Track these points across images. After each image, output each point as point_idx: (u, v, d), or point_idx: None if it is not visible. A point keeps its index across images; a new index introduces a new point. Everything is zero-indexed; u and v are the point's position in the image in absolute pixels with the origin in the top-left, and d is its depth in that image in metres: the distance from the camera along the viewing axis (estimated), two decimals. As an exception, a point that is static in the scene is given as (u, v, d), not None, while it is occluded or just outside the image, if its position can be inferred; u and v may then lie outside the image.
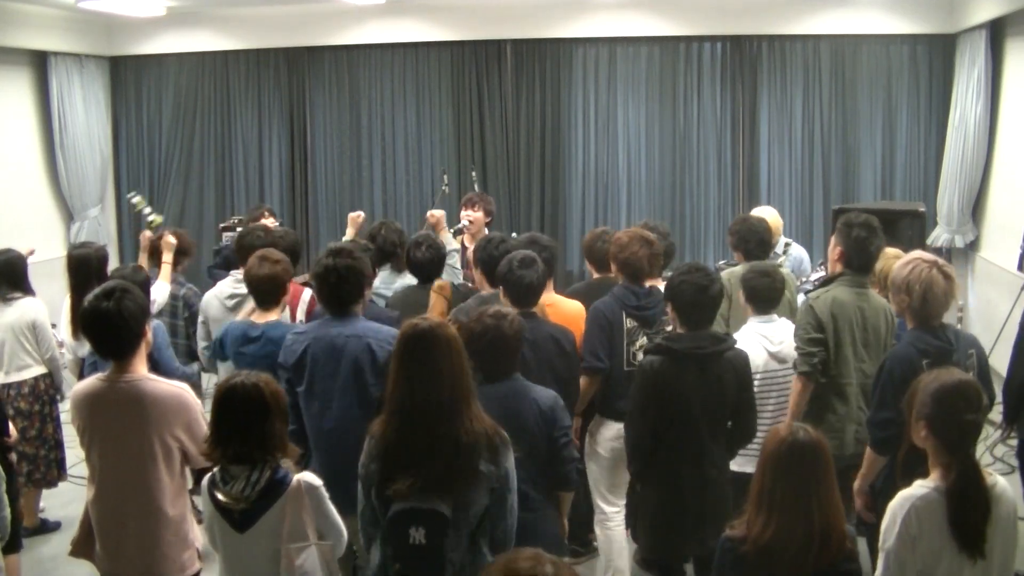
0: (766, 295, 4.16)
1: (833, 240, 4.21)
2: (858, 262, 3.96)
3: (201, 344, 4.75)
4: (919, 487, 2.57)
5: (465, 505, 2.64)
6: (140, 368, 3.06)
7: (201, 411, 3.09)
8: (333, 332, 3.53)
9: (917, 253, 3.49)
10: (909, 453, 2.76)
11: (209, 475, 2.73)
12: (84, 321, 3.05)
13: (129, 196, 7.40)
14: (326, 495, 2.75)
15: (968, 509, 2.51)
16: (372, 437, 2.72)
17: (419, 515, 2.59)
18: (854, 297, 3.93)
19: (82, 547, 3.20)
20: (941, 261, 3.40)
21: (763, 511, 2.48)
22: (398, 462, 2.62)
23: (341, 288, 3.53)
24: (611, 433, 4.09)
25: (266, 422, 2.63)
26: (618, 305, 4.06)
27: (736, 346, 3.66)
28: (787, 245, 5.77)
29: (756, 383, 4.08)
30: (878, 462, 3.45)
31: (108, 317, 2.96)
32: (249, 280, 3.99)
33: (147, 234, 5.64)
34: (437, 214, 5.38)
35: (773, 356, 4.10)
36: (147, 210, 6.69)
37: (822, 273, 5.19)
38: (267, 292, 3.94)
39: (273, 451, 2.65)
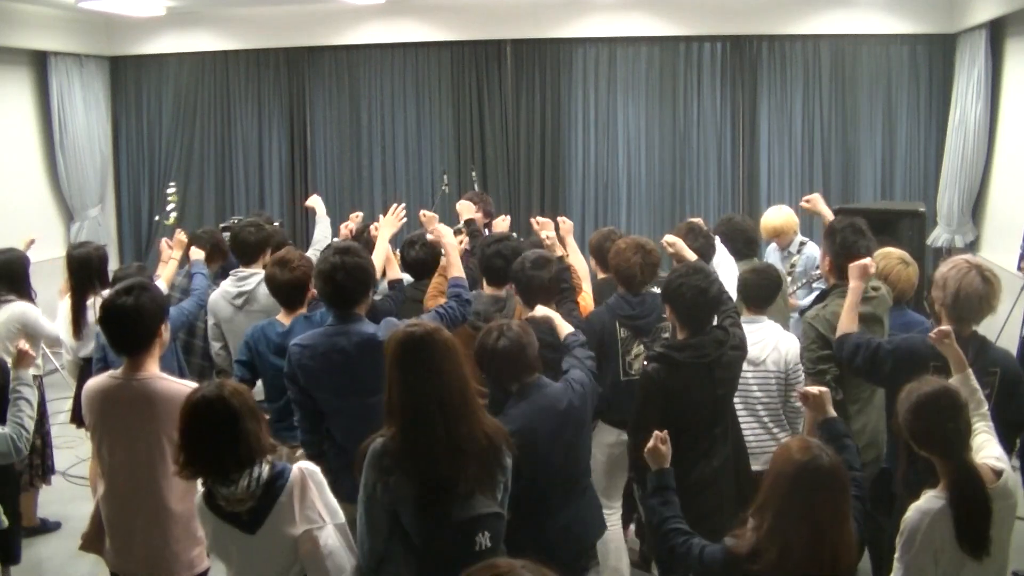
0: (756, 293, 4.11)
1: (822, 249, 4.14)
2: (848, 268, 3.82)
3: (216, 345, 4.74)
4: (932, 499, 2.58)
5: (498, 501, 2.67)
6: (153, 367, 3.07)
7: None
8: (340, 342, 3.42)
9: (964, 256, 3.45)
10: (908, 470, 2.76)
11: (203, 492, 2.66)
12: (102, 315, 3.08)
13: (171, 188, 7.44)
14: (324, 479, 2.71)
15: (969, 515, 2.52)
16: (384, 455, 2.63)
17: (484, 520, 2.58)
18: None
19: (92, 542, 3.21)
20: (985, 266, 3.33)
21: (778, 533, 2.39)
22: (431, 473, 2.57)
23: (347, 286, 3.44)
24: (611, 439, 4.09)
25: (239, 431, 2.53)
26: (611, 315, 4.04)
27: (740, 340, 3.65)
28: (802, 244, 5.70)
29: None
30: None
31: (125, 312, 2.98)
32: (274, 287, 4.06)
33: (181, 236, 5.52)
34: (429, 215, 5.39)
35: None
36: (171, 206, 6.70)
37: (820, 284, 5.11)
38: (294, 295, 4.01)
39: (260, 452, 2.58)
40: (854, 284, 3.56)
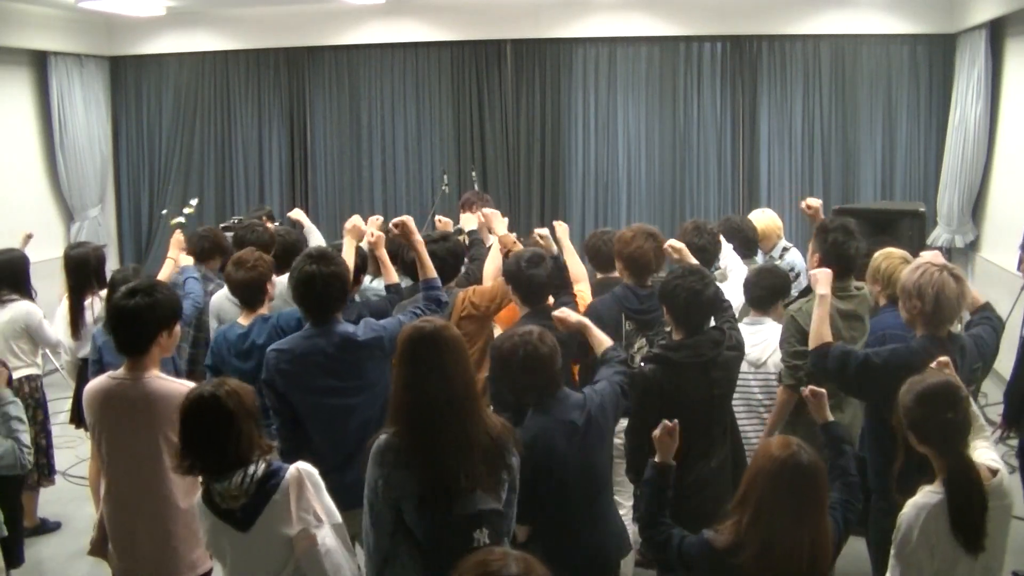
0: (759, 293, 4.13)
1: (811, 247, 4.14)
2: (836, 267, 3.83)
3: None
4: (929, 494, 2.59)
5: (500, 499, 2.67)
6: (153, 367, 3.09)
7: None
8: (320, 344, 3.46)
9: (926, 257, 3.39)
10: (903, 466, 2.76)
11: (202, 488, 2.69)
12: (110, 316, 3.14)
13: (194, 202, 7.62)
14: (321, 481, 2.71)
15: (965, 507, 2.53)
16: (388, 449, 2.65)
17: (482, 516, 2.60)
18: (834, 301, 3.82)
19: (99, 546, 3.22)
20: (950, 265, 3.33)
21: (760, 528, 2.42)
22: (434, 469, 2.58)
23: (326, 296, 3.47)
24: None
25: (232, 430, 2.57)
26: (617, 306, 4.03)
27: (738, 341, 3.65)
28: (784, 250, 5.50)
29: None
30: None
31: (129, 314, 3.02)
32: (230, 285, 4.09)
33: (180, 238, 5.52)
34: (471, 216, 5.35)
35: (746, 360, 3.98)
36: (183, 219, 6.78)
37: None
38: (249, 295, 4.02)
39: (254, 451, 2.61)
40: (823, 292, 3.49)
